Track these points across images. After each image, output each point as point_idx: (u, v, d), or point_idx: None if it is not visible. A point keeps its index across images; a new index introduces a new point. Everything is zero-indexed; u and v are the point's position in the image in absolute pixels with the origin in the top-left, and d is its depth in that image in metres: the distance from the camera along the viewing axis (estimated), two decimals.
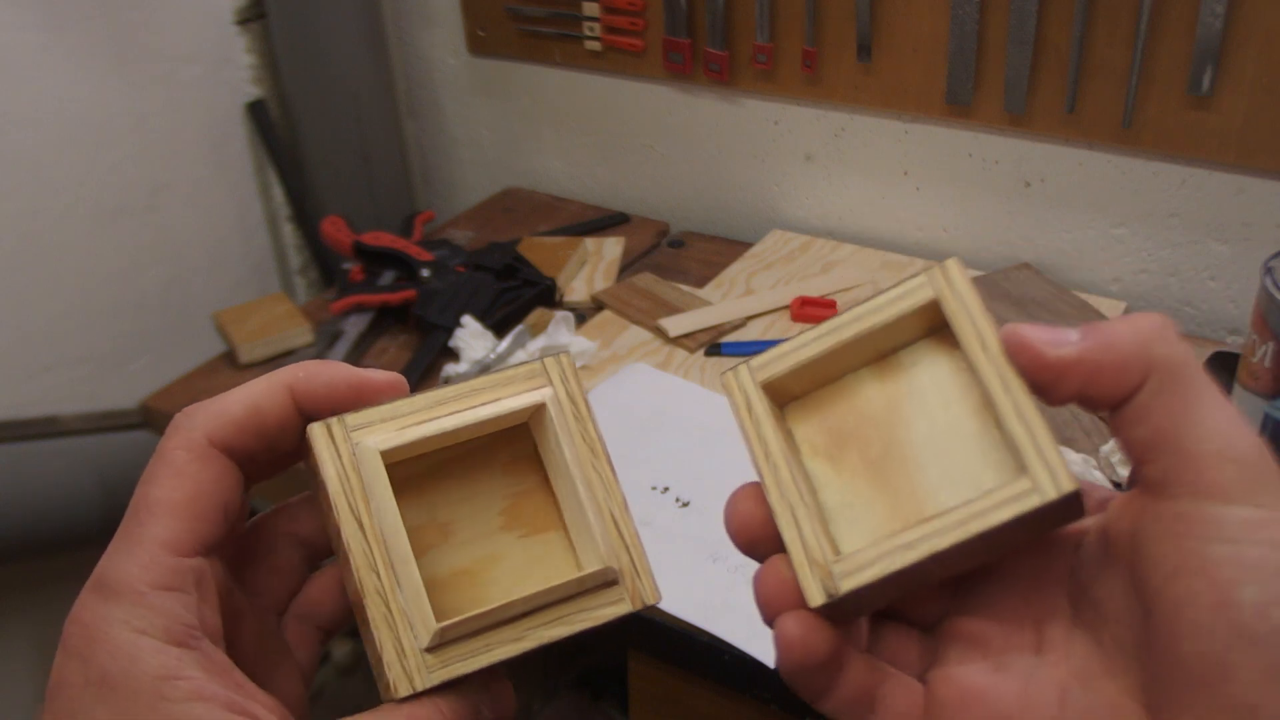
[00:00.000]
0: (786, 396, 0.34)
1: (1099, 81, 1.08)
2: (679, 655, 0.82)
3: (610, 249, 1.32)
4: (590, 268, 1.28)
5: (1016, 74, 1.11)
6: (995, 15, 1.10)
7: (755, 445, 0.33)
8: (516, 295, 1.18)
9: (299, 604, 0.36)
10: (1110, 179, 1.14)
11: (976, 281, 1.20)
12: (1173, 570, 0.27)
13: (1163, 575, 0.27)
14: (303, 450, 0.33)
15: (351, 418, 0.33)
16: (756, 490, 0.33)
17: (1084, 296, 1.13)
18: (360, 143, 1.47)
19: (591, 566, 0.33)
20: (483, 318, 1.11)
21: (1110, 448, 0.88)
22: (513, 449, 0.36)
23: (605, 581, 0.33)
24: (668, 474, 0.92)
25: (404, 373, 1.09)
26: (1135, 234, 1.15)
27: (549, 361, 0.35)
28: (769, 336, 1.12)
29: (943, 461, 0.32)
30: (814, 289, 1.19)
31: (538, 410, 0.35)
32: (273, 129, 1.49)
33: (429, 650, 0.31)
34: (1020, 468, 0.30)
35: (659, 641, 0.81)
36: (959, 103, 1.15)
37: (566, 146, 1.49)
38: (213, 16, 1.41)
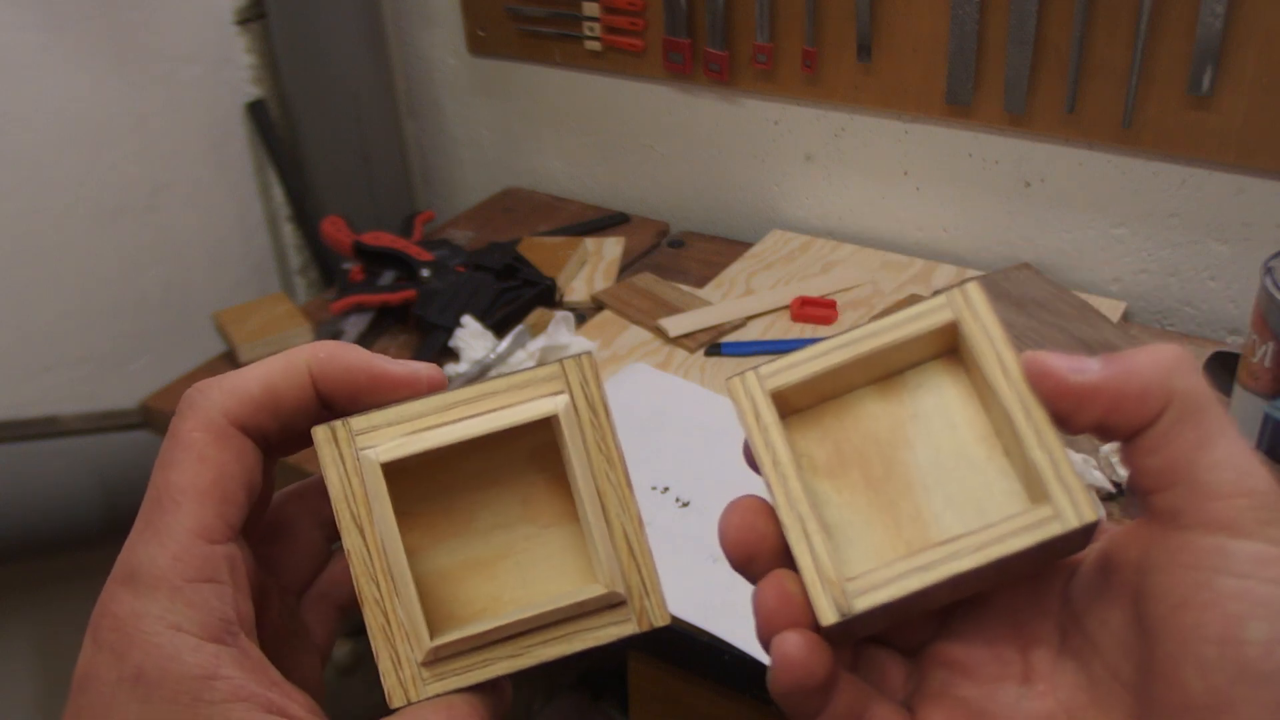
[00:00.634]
0: (788, 409, 0.33)
1: (1099, 81, 1.08)
2: (679, 655, 0.82)
3: (610, 249, 1.32)
4: (590, 268, 1.28)
5: (1016, 74, 1.11)
6: (995, 15, 1.10)
7: (764, 454, 0.32)
8: (516, 295, 1.18)
9: (322, 582, 0.36)
10: (1110, 179, 1.14)
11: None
12: (1180, 601, 0.27)
13: (1169, 606, 0.27)
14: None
15: (356, 421, 0.32)
16: (754, 503, 0.32)
17: (1084, 296, 1.13)
18: (360, 143, 1.47)
19: (595, 590, 0.32)
20: (483, 318, 1.11)
21: (1110, 448, 0.89)
22: (538, 437, 0.34)
23: (610, 604, 0.32)
24: (668, 474, 0.92)
25: None
26: (1135, 234, 1.15)
27: (569, 364, 0.33)
28: (769, 336, 1.12)
29: (947, 487, 0.32)
30: (814, 289, 1.19)
31: (551, 420, 0.33)
32: (273, 129, 1.49)
33: (425, 664, 0.31)
34: (1041, 495, 0.30)
35: (659, 641, 0.81)
36: (959, 103, 1.15)
37: (566, 146, 1.49)
38: (213, 16, 1.41)
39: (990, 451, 0.32)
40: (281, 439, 0.32)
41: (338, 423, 0.31)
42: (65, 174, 1.29)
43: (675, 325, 1.12)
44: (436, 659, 0.31)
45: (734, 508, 0.32)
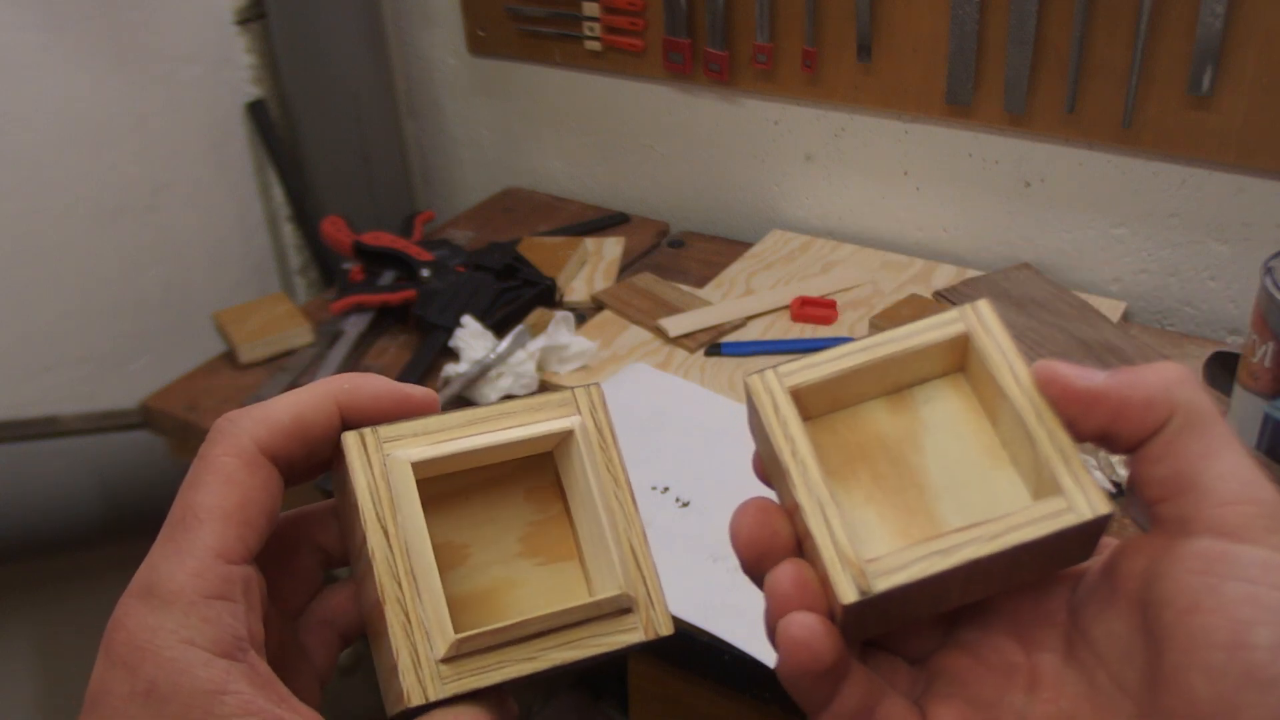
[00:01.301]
0: (804, 414, 0.34)
1: (1099, 81, 1.08)
2: (679, 655, 0.82)
3: (610, 249, 1.32)
4: (590, 268, 1.28)
5: (1016, 74, 1.11)
6: (995, 15, 1.10)
7: (782, 443, 0.32)
8: (516, 295, 1.18)
9: (324, 609, 0.36)
10: (1110, 179, 1.14)
11: (976, 281, 1.20)
12: (1188, 607, 0.27)
13: (1177, 611, 0.27)
14: (334, 459, 0.34)
15: (385, 430, 0.33)
16: (765, 503, 0.33)
17: (1084, 296, 1.13)
18: (360, 143, 1.47)
19: (611, 590, 0.33)
20: (483, 318, 1.11)
21: None
22: (534, 478, 0.36)
23: (620, 609, 0.33)
24: (668, 474, 0.92)
25: (404, 372, 1.09)
26: (1135, 234, 1.15)
27: (579, 392, 0.36)
28: (769, 336, 1.12)
29: (956, 492, 0.33)
30: (814, 289, 1.19)
31: (565, 437, 0.35)
32: (273, 129, 1.49)
33: (444, 661, 0.31)
34: (1054, 490, 0.30)
35: (659, 641, 0.81)
36: (959, 103, 1.15)
37: (566, 146, 1.49)
38: (213, 16, 1.41)
39: (997, 462, 0.33)
40: (305, 467, 0.33)
41: (366, 430, 0.33)
42: (65, 174, 1.29)
43: (675, 325, 1.12)
44: (457, 654, 0.31)
45: (745, 508, 0.32)
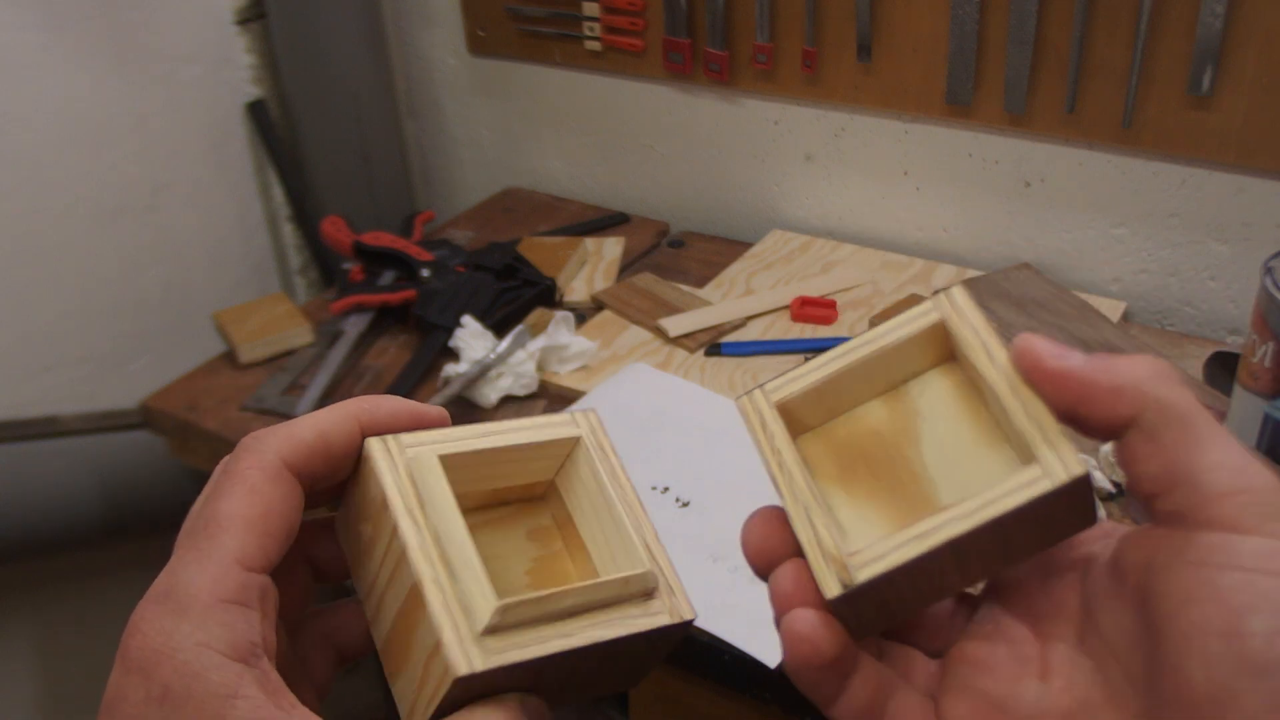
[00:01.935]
0: (801, 427, 0.35)
1: (1099, 81, 1.08)
2: (679, 655, 0.82)
3: (610, 249, 1.32)
4: (590, 268, 1.28)
5: (1016, 74, 1.11)
6: (995, 15, 1.10)
7: (769, 456, 0.33)
8: (516, 295, 1.18)
9: (326, 624, 0.37)
10: (1110, 179, 1.14)
11: (976, 281, 1.20)
12: (1185, 598, 0.27)
13: (1175, 603, 0.28)
14: (352, 472, 0.35)
15: (406, 437, 0.34)
16: (774, 512, 0.33)
17: (1084, 296, 1.13)
18: (360, 143, 1.47)
19: (639, 567, 0.34)
20: (483, 318, 1.11)
21: (1109, 448, 0.89)
22: (534, 519, 0.37)
23: (646, 589, 0.34)
24: (668, 474, 0.92)
25: (404, 372, 1.09)
26: (1135, 234, 1.15)
27: (579, 415, 0.37)
28: (769, 336, 1.12)
29: (952, 476, 0.33)
30: (814, 289, 1.19)
31: (574, 443, 0.36)
32: (273, 129, 1.49)
33: (487, 633, 0.31)
34: (1030, 458, 0.31)
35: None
36: (959, 103, 1.15)
37: (566, 146, 1.49)
38: (213, 16, 1.41)
39: (992, 441, 0.33)
40: (327, 485, 0.34)
41: (388, 436, 0.34)
42: (65, 174, 1.29)
43: (675, 325, 1.12)
44: (500, 624, 0.31)
45: (753, 517, 0.34)
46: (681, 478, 0.91)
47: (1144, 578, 0.29)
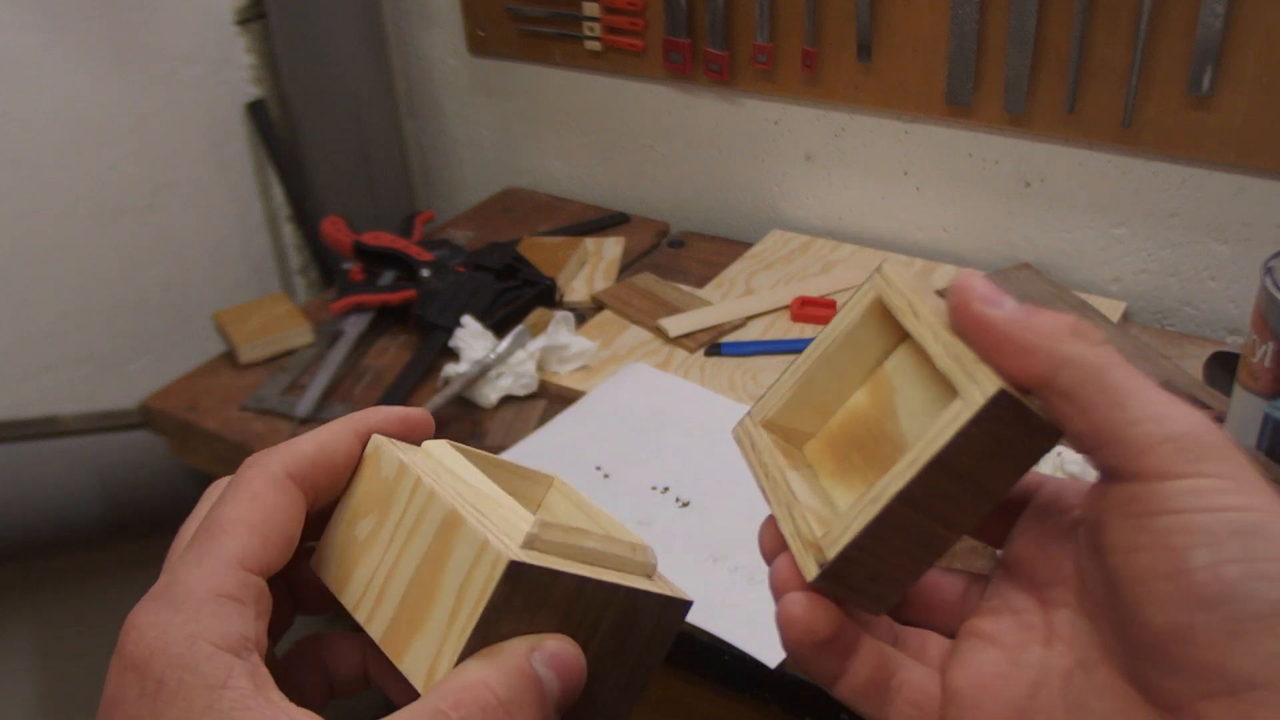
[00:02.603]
0: (801, 437, 0.37)
1: (1099, 81, 1.08)
2: (679, 655, 0.82)
3: (610, 249, 1.32)
4: (590, 268, 1.28)
5: (1016, 74, 1.11)
6: (995, 15, 1.10)
7: (757, 469, 0.35)
8: (516, 295, 1.18)
9: (321, 649, 0.37)
10: (1110, 179, 1.14)
11: None
12: (1130, 547, 0.28)
13: (1122, 554, 0.29)
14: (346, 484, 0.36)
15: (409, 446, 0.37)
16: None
17: (1084, 296, 1.13)
18: (360, 143, 1.47)
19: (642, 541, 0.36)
20: (483, 318, 1.11)
21: None
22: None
23: (648, 565, 0.36)
24: (668, 474, 0.92)
25: (404, 372, 1.09)
26: (1135, 234, 1.15)
27: (554, 478, 0.41)
28: (769, 336, 1.12)
29: (922, 437, 0.34)
30: (814, 289, 1.19)
31: (550, 484, 0.41)
32: (273, 129, 1.49)
33: (526, 545, 0.32)
34: (954, 396, 0.31)
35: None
36: (959, 103, 1.15)
37: (566, 146, 1.49)
38: (213, 16, 1.41)
39: (947, 393, 0.34)
40: (328, 499, 0.35)
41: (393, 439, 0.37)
42: (65, 174, 1.29)
43: (675, 325, 1.12)
44: (538, 538, 0.32)
45: (765, 522, 0.35)
46: (681, 478, 0.91)
47: (1096, 534, 0.30)
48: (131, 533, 1.31)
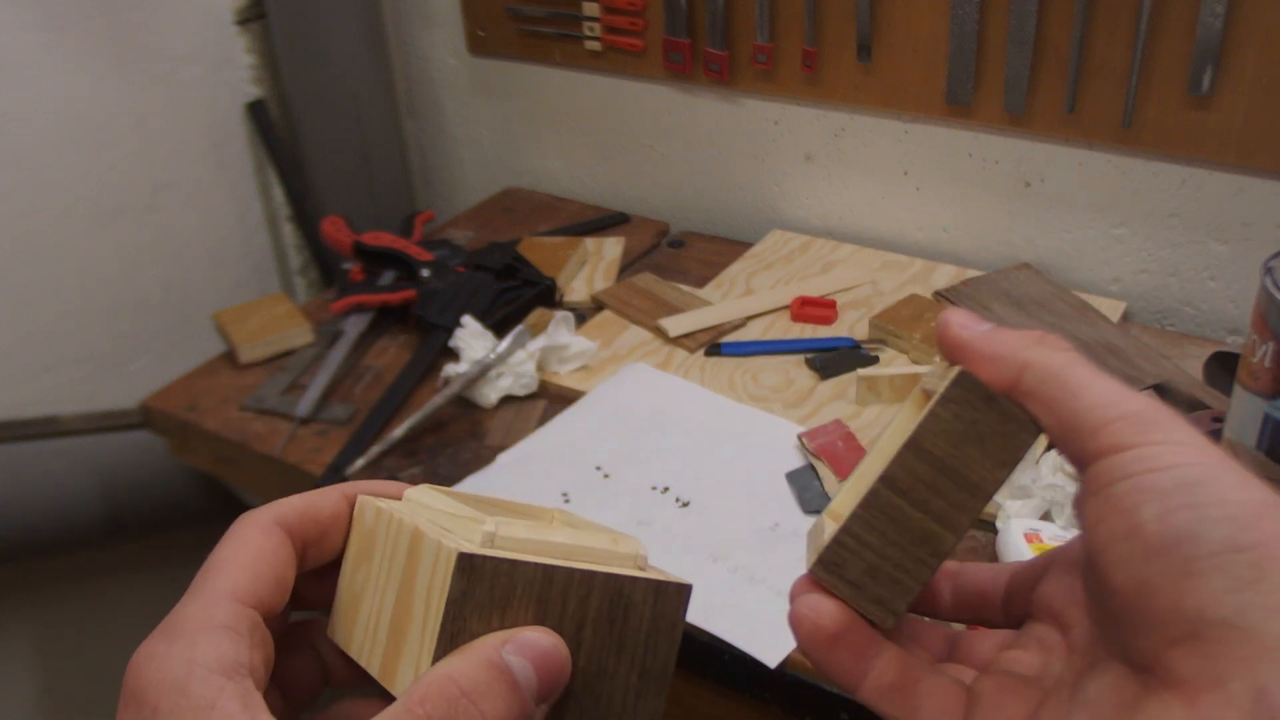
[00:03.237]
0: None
1: (1099, 81, 1.07)
2: (679, 655, 0.82)
3: (610, 249, 1.32)
4: (590, 268, 1.28)
5: (1016, 74, 1.11)
6: (995, 15, 1.10)
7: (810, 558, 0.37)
8: (516, 295, 1.18)
9: (344, 712, 0.38)
10: (1110, 179, 1.14)
11: (976, 281, 1.20)
12: (1095, 521, 0.30)
13: (1090, 531, 0.30)
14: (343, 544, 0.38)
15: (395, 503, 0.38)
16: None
17: (1084, 296, 1.13)
18: (360, 143, 1.47)
19: (632, 544, 0.36)
20: (483, 318, 1.11)
21: None
22: None
23: (638, 555, 0.36)
24: (668, 474, 0.92)
25: (404, 373, 1.09)
26: (1135, 234, 1.15)
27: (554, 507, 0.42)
28: (769, 336, 1.12)
29: None
30: (814, 289, 1.19)
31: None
32: (273, 129, 1.49)
33: (484, 543, 0.33)
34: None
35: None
36: (959, 103, 1.15)
37: (566, 146, 1.49)
38: (213, 16, 1.41)
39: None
40: (318, 550, 0.37)
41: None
42: (65, 174, 1.29)
43: (675, 325, 1.12)
44: (495, 536, 0.33)
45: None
46: (681, 478, 0.91)
47: (1083, 531, 0.32)
48: (131, 533, 1.31)
